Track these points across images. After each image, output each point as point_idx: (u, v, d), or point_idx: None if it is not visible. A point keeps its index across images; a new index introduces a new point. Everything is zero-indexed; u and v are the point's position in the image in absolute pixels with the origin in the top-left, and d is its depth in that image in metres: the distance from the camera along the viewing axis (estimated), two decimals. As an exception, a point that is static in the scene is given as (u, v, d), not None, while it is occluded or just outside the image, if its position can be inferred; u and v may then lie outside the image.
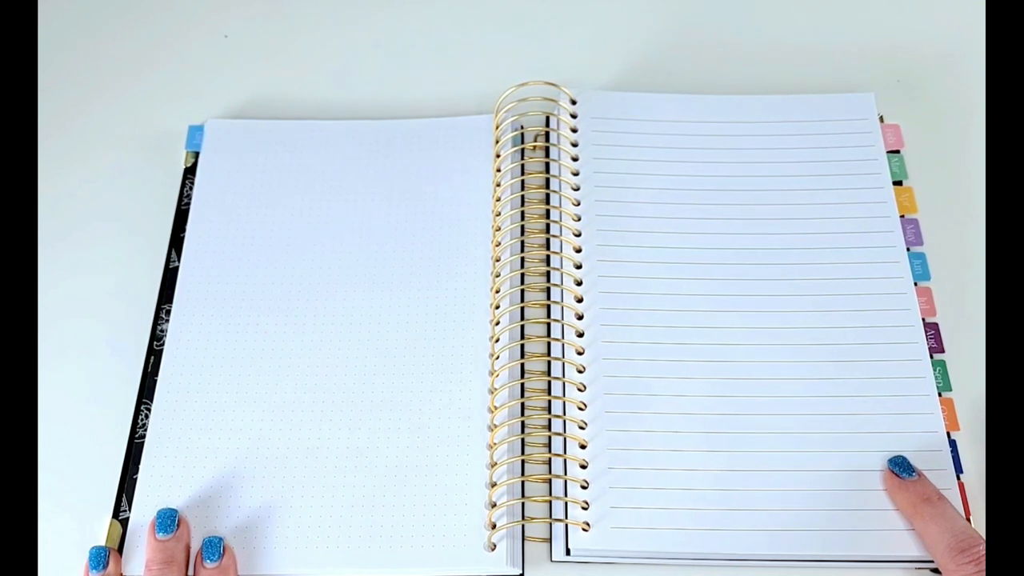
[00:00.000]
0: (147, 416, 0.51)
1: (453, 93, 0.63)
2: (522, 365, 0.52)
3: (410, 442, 0.50)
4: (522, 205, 0.57)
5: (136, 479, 0.49)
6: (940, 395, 0.50)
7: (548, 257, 0.55)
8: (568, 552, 0.47)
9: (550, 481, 0.49)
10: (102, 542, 0.48)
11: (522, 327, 0.53)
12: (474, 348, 0.52)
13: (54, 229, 0.58)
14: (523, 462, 0.50)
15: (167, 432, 0.51)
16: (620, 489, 0.48)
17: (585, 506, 0.47)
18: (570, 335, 0.52)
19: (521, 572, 0.47)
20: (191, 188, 0.58)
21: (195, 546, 0.47)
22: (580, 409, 0.50)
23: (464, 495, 0.48)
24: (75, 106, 0.63)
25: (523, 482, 0.49)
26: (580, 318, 0.52)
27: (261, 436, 0.50)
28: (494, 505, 0.48)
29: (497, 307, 0.53)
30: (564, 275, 0.54)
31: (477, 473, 0.49)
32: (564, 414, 0.50)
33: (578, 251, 0.54)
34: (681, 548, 0.46)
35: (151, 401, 0.52)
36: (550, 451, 0.50)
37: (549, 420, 0.51)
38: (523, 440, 0.50)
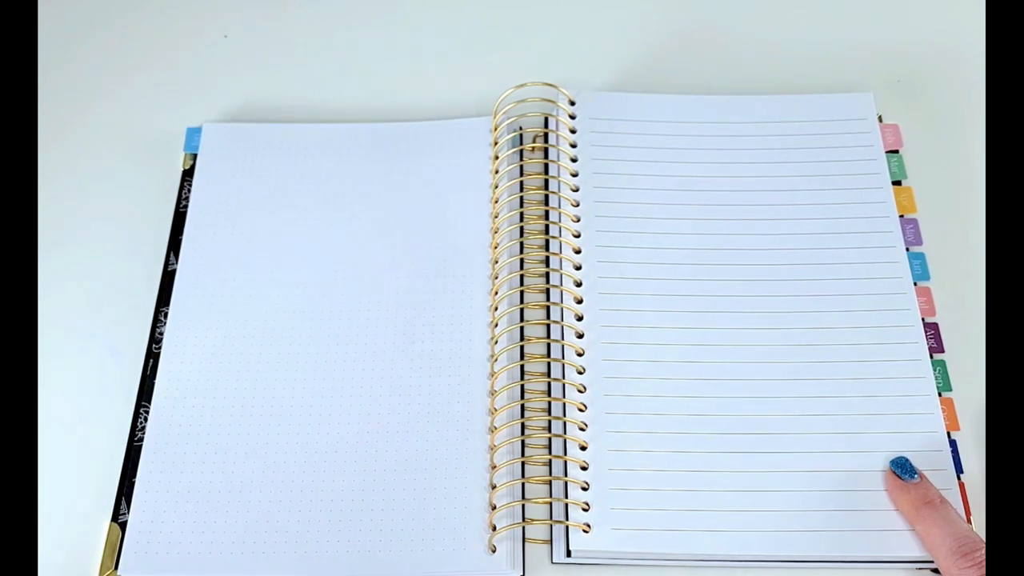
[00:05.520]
0: (146, 419, 0.51)
1: (451, 95, 0.63)
2: (522, 366, 0.52)
3: (410, 444, 0.50)
4: (521, 206, 0.57)
5: (135, 482, 0.49)
6: (940, 395, 0.50)
7: (547, 258, 0.55)
8: (569, 554, 0.47)
9: (550, 483, 0.49)
10: (101, 544, 0.48)
11: (521, 328, 0.53)
12: (473, 349, 0.52)
13: (53, 231, 0.58)
14: (523, 464, 0.49)
15: (166, 435, 0.50)
16: (621, 490, 0.47)
17: (586, 507, 0.47)
18: (570, 336, 0.52)
19: (522, 574, 0.47)
20: (189, 190, 0.58)
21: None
22: (580, 410, 0.50)
23: (464, 497, 0.48)
24: (74, 108, 0.63)
25: (523, 484, 0.49)
26: (580, 319, 0.52)
27: (260, 439, 0.50)
28: (494, 507, 0.48)
29: (496, 308, 0.53)
30: (563, 276, 0.54)
31: (477, 475, 0.49)
32: (564, 415, 0.50)
33: (577, 252, 0.54)
34: (682, 549, 0.46)
35: (149, 404, 0.52)
36: (550, 453, 0.49)
37: (549, 422, 0.50)
38: (523, 442, 0.50)
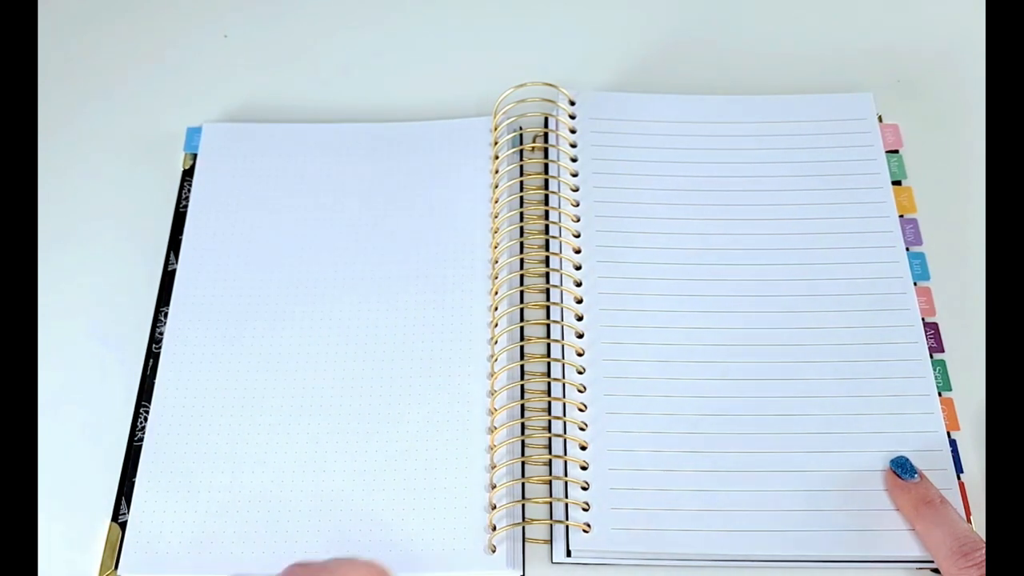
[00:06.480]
0: (146, 419, 0.51)
1: (451, 95, 0.63)
2: (522, 366, 0.52)
3: (409, 444, 0.50)
4: (521, 206, 0.57)
5: (135, 482, 0.49)
6: (940, 395, 0.50)
7: (547, 258, 0.55)
8: (569, 554, 0.47)
9: (550, 483, 0.49)
10: (101, 544, 0.48)
11: (521, 328, 0.53)
12: (473, 350, 0.52)
13: (53, 231, 0.58)
14: (523, 464, 0.49)
15: (166, 434, 0.50)
16: (621, 490, 0.48)
17: (586, 507, 0.47)
18: (570, 336, 0.52)
19: (522, 574, 0.47)
20: (189, 190, 0.58)
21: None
22: (580, 410, 0.50)
23: (464, 497, 0.48)
24: (74, 108, 0.63)
25: (523, 484, 0.49)
26: (580, 319, 0.52)
27: (260, 439, 0.50)
28: (494, 507, 0.48)
29: (496, 308, 0.53)
30: (563, 276, 0.54)
31: (477, 475, 0.49)
32: (564, 415, 0.50)
33: (577, 252, 0.54)
34: (682, 549, 0.46)
35: (149, 404, 0.52)
36: (550, 452, 0.49)
37: (549, 422, 0.50)
38: (523, 442, 0.50)
